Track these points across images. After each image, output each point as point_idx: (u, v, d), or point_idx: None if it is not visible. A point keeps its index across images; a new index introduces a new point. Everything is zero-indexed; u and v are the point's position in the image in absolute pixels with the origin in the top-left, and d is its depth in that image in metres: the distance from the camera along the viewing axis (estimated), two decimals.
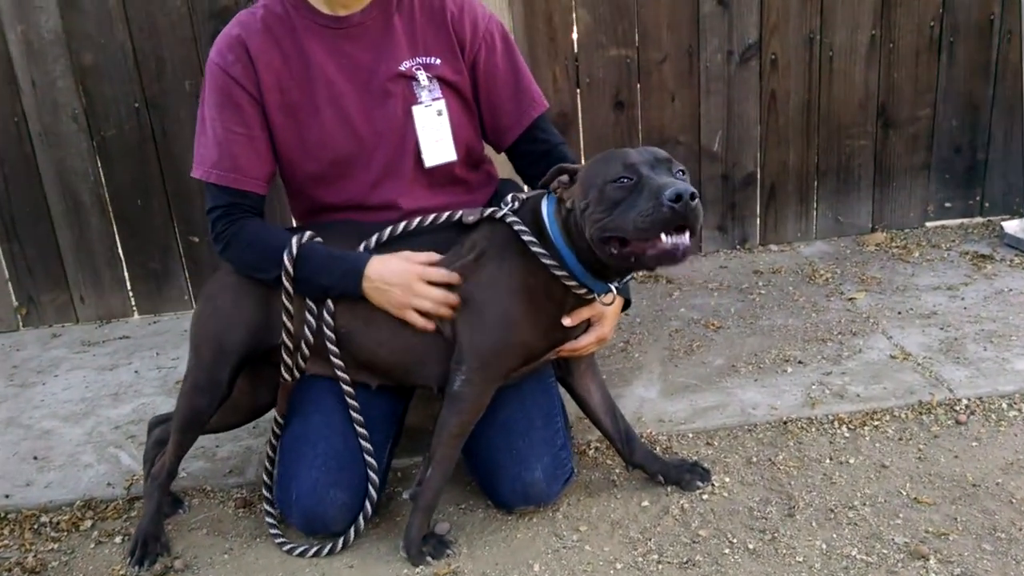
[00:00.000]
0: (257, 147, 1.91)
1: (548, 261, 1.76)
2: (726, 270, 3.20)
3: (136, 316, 3.28)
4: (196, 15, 2.99)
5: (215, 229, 1.92)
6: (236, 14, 1.96)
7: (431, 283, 1.80)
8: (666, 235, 1.58)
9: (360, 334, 1.87)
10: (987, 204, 3.42)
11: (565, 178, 1.76)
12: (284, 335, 1.88)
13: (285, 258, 1.82)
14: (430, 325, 1.82)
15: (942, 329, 2.61)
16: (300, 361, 1.92)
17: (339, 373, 1.89)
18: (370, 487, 1.90)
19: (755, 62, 3.19)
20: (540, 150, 2.06)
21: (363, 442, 1.90)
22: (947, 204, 3.42)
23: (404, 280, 1.79)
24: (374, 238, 1.88)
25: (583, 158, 3.21)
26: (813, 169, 3.34)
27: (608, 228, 1.64)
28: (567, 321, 1.82)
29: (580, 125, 3.22)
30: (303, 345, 1.88)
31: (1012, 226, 3.20)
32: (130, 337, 3.11)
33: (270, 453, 2.03)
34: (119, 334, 3.15)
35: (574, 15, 3.11)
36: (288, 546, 1.92)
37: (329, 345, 1.87)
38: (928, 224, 3.42)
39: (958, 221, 3.42)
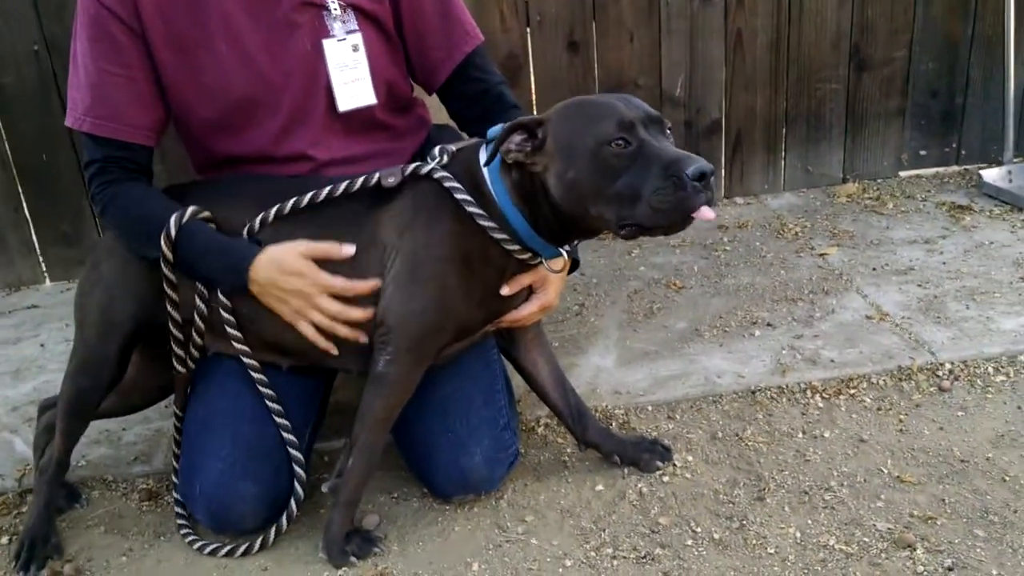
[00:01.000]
0: (139, 90, 1.64)
1: (486, 223, 1.52)
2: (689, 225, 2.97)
3: (48, 283, 3.00)
4: None
5: (92, 187, 1.67)
6: None
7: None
8: None
9: (263, 316, 1.62)
10: (964, 152, 3.23)
11: (520, 138, 1.47)
12: (171, 324, 1.64)
13: (163, 242, 1.57)
14: (329, 346, 1.60)
15: (920, 286, 2.43)
16: (193, 351, 1.68)
17: (245, 360, 1.65)
18: (296, 483, 1.68)
19: None
20: (477, 90, 1.81)
21: (282, 430, 1.67)
22: (922, 152, 3.22)
23: (304, 291, 1.55)
24: (273, 211, 1.60)
25: (535, 107, 2.95)
26: (781, 115, 3.12)
27: (617, 211, 1.41)
28: (505, 290, 1.59)
29: (531, 68, 2.95)
30: (194, 333, 1.64)
31: (991, 175, 3.01)
32: (39, 307, 2.83)
33: (177, 437, 1.79)
34: (28, 303, 2.87)
35: None
36: (198, 544, 1.69)
37: (229, 329, 1.63)
38: (902, 173, 3.22)
39: (934, 170, 3.23)
